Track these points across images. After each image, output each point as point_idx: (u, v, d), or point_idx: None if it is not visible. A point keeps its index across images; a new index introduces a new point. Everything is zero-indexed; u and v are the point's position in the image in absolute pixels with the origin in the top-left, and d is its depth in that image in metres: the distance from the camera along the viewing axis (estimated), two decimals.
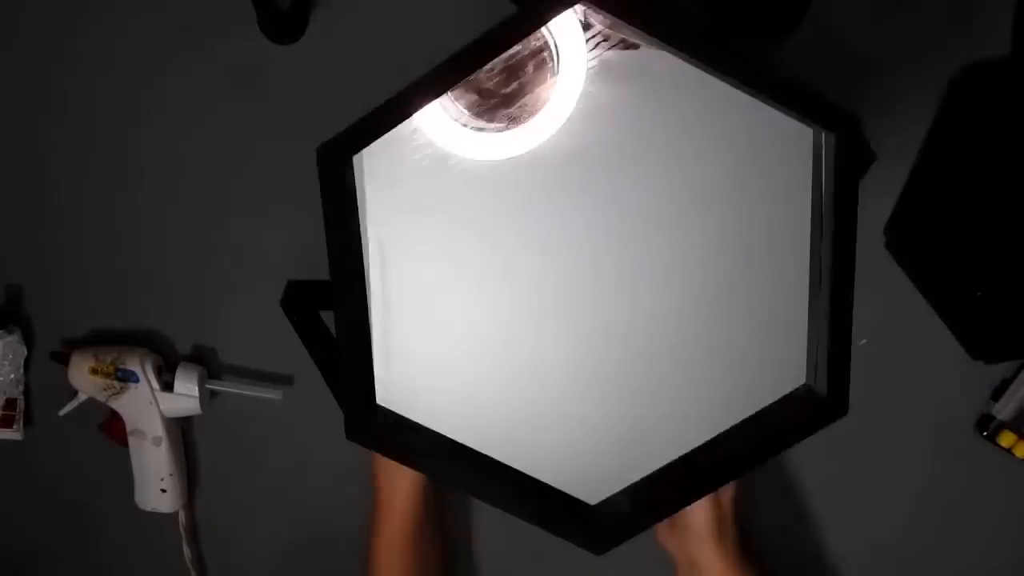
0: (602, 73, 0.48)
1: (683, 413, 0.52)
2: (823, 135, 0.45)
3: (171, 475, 0.73)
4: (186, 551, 0.78)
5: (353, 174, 0.44)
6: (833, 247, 0.45)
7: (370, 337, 0.47)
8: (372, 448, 0.48)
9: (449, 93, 0.47)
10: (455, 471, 0.49)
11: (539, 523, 0.48)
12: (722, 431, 0.50)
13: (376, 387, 0.47)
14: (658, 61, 0.45)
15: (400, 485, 0.65)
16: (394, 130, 0.41)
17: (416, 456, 0.49)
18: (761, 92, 0.43)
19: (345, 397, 0.48)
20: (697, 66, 0.43)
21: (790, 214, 0.48)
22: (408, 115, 0.42)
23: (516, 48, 0.47)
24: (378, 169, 0.44)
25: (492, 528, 0.76)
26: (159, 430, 0.72)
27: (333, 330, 0.45)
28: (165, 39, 0.67)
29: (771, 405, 0.49)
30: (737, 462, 0.48)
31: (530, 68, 0.49)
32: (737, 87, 0.44)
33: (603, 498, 0.51)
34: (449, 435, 0.50)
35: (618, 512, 0.50)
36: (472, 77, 0.46)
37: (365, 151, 0.42)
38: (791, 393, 0.49)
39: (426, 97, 0.41)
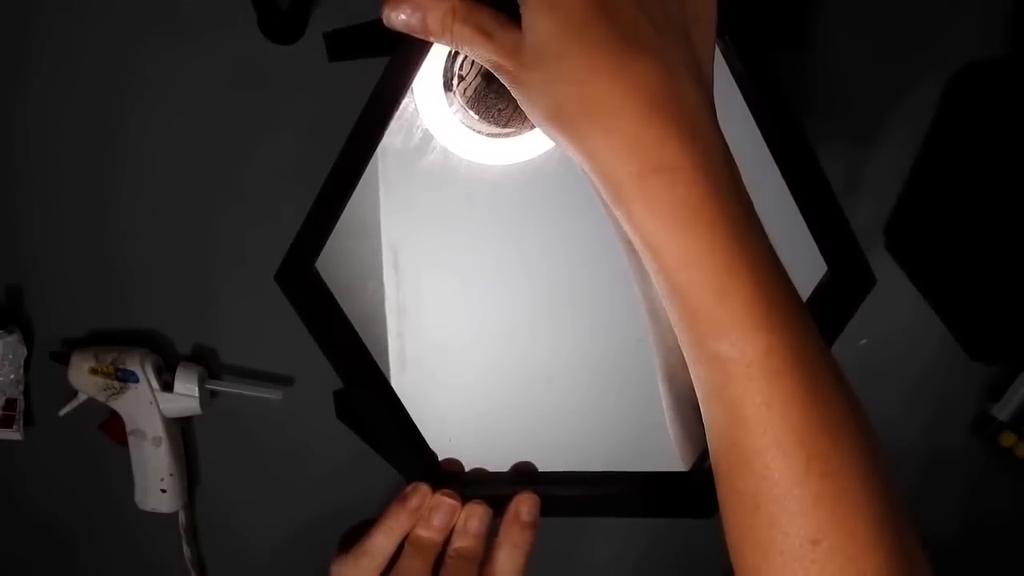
0: None
1: None
2: None
3: (171, 475, 0.73)
4: (186, 551, 0.78)
5: (318, 274, 0.43)
6: (771, 116, 0.42)
7: (407, 416, 0.45)
8: None
9: (456, 95, 0.47)
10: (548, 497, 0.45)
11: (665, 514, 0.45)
12: None
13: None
14: None
15: None
16: (407, 138, 0.41)
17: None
18: None
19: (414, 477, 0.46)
20: None
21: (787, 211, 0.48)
22: (343, 206, 0.41)
23: None
24: (391, 177, 0.44)
25: None
26: (159, 430, 0.72)
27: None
28: (165, 39, 0.67)
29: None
30: None
31: None
32: None
33: None
34: (463, 434, 0.48)
35: None
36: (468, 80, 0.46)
37: (378, 155, 0.42)
38: (817, 287, 0.45)
39: (349, 187, 0.41)
